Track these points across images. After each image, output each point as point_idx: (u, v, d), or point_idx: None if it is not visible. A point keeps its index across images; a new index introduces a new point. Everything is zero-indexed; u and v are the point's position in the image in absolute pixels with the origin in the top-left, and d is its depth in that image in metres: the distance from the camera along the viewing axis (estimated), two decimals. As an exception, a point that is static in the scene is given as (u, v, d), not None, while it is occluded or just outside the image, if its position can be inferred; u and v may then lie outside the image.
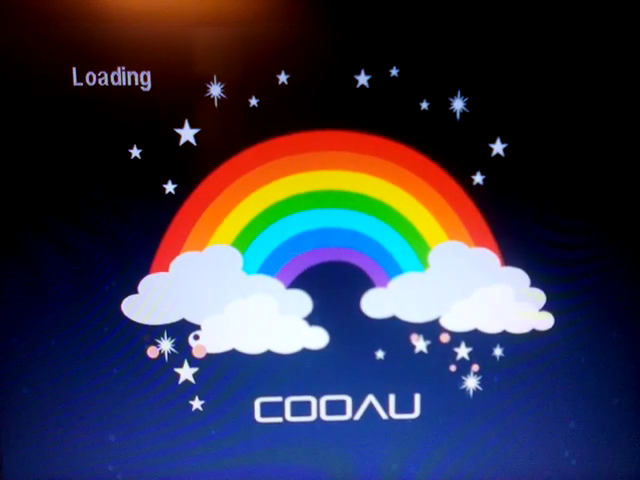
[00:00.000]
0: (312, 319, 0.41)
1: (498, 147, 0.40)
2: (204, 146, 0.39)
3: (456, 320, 0.41)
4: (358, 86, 0.38)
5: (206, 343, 0.41)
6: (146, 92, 0.38)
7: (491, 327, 0.42)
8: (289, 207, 0.40)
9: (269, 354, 0.41)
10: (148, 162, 0.38)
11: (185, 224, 0.39)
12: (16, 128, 0.38)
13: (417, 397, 0.42)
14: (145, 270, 0.40)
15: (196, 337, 0.41)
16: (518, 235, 0.41)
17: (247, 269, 0.40)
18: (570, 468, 0.44)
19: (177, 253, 0.40)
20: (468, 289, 0.41)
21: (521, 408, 0.43)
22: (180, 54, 0.38)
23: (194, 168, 0.39)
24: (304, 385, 0.42)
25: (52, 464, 0.42)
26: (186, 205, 0.39)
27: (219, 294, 0.40)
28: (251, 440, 0.42)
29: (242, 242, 0.40)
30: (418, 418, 0.43)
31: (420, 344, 0.42)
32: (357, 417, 0.42)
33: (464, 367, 0.42)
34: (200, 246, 0.40)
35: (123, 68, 0.38)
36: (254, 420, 0.42)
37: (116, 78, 0.38)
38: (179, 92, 0.38)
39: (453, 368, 0.42)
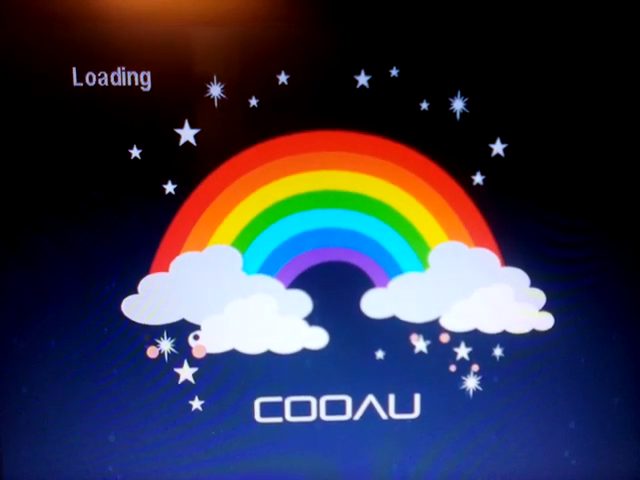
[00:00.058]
0: (312, 319, 0.41)
1: (498, 147, 0.40)
2: (204, 146, 0.39)
3: (456, 320, 0.41)
4: (358, 86, 0.38)
5: (206, 343, 0.41)
6: (146, 92, 0.38)
7: (491, 327, 0.42)
8: (289, 207, 0.40)
9: (269, 354, 0.41)
10: (148, 162, 0.38)
11: (185, 224, 0.39)
12: (16, 128, 0.38)
13: (417, 397, 0.42)
14: (145, 270, 0.40)
15: (196, 337, 0.41)
16: (518, 235, 0.41)
17: (247, 269, 0.40)
18: (570, 468, 0.44)
19: (177, 253, 0.40)
20: (468, 289, 0.41)
21: (521, 408, 0.43)
22: (180, 54, 0.38)
23: (194, 168, 0.39)
24: (304, 385, 0.42)
25: (52, 464, 0.42)
26: (186, 205, 0.39)
27: (219, 294, 0.40)
28: (251, 440, 0.42)
29: (242, 242, 0.40)
30: (418, 418, 0.43)
31: (420, 344, 0.42)
32: (357, 417, 0.42)
33: (464, 367, 0.42)
34: (200, 246, 0.40)
35: (123, 68, 0.38)
36: (254, 420, 0.42)
37: (116, 78, 0.38)
38: (179, 92, 0.38)
39: (453, 368, 0.42)
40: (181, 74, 0.38)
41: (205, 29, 0.38)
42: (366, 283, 0.41)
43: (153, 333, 0.40)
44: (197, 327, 0.41)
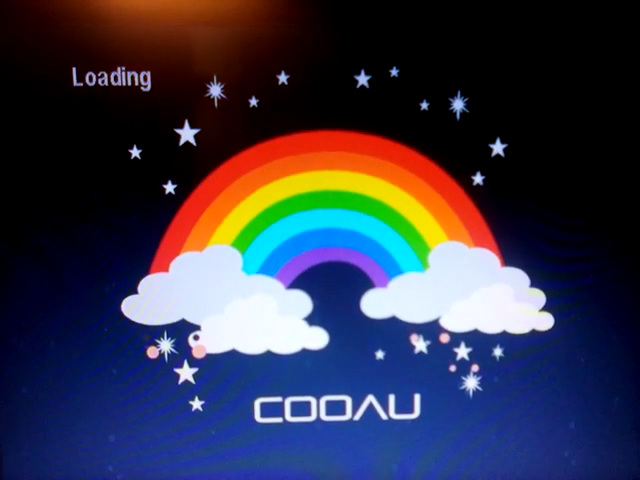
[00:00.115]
0: (312, 319, 0.41)
1: (498, 147, 0.40)
2: (204, 146, 0.39)
3: (456, 320, 0.41)
4: (358, 86, 0.38)
5: (206, 343, 0.41)
6: (146, 92, 0.38)
7: (491, 327, 0.42)
8: (289, 207, 0.40)
9: (269, 354, 0.41)
10: (148, 162, 0.38)
11: (185, 224, 0.39)
12: (16, 128, 0.38)
13: (417, 397, 0.42)
14: (145, 270, 0.40)
15: (196, 337, 0.41)
16: (518, 235, 0.41)
17: (247, 269, 0.40)
18: (570, 468, 0.44)
19: (177, 253, 0.40)
20: (468, 289, 0.41)
21: (521, 408, 0.43)
22: (180, 54, 0.38)
23: (194, 168, 0.39)
24: (304, 385, 0.42)
25: (52, 464, 0.42)
26: (186, 205, 0.39)
27: (219, 294, 0.40)
28: (251, 440, 0.42)
29: (242, 242, 0.40)
30: (418, 418, 0.43)
31: (420, 344, 0.42)
32: (357, 417, 0.42)
33: (464, 367, 0.42)
34: (200, 246, 0.40)
35: (123, 68, 0.38)
36: (254, 420, 0.42)
37: (116, 78, 0.38)
38: (179, 92, 0.38)
39: (453, 368, 0.42)
40: (181, 74, 0.38)
41: (205, 29, 0.38)
42: (366, 283, 0.41)
43: (153, 333, 0.40)
44: (197, 327, 0.41)
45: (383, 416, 0.42)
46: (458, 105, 0.39)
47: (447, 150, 0.39)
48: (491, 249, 0.41)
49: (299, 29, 0.38)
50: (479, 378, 0.42)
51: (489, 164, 0.40)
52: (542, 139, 0.40)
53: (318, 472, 0.43)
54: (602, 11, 0.39)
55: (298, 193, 0.39)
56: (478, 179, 0.40)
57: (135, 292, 0.40)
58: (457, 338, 0.42)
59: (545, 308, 0.42)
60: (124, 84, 0.38)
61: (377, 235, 0.40)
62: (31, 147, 0.38)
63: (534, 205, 0.40)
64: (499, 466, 0.43)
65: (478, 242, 0.41)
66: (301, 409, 0.42)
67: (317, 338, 0.41)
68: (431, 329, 0.41)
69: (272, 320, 0.41)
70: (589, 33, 0.39)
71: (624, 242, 0.41)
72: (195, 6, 0.37)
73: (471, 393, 0.42)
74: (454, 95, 0.39)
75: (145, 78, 0.38)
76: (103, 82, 0.38)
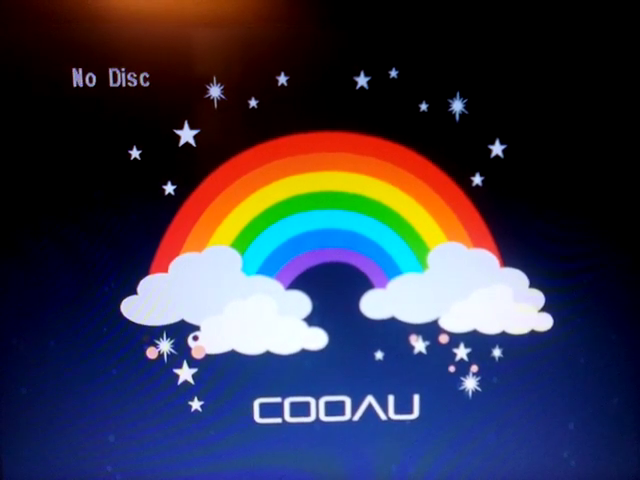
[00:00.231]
0: (311, 320, 0.41)
1: (497, 148, 0.40)
2: (203, 147, 0.39)
3: (455, 321, 0.41)
4: (357, 87, 0.38)
5: (205, 344, 0.41)
6: (146, 93, 0.38)
7: (490, 328, 0.42)
8: (288, 208, 0.40)
9: (268, 355, 0.41)
10: (148, 163, 0.39)
11: (184, 225, 0.39)
12: (16, 128, 0.38)
13: (416, 398, 0.42)
14: (144, 271, 0.40)
15: (195, 338, 0.41)
16: (517, 236, 0.41)
17: (246, 270, 0.40)
18: (569, 469, 0.44)
19: (176, 254, 0.40)
20: (467, 290, 0.41)
21: (520, 409, 0.43)
22: (180, 55, 0.38)
23: (193, 169, 0.39)
24: (303, 386, 0.42)
25: (51, 464, 0.42)
26: (185, 206, 0.39)
27: (218, 295, 0.40)
28: (250, 441, 0.42)
29: (241, 243, 0.40)
30: (417, 419, 0.43)
31: (419, 345, 0.42)
32: (356, 418, 0.42)
33: (463, 368, 0.42)
34: (199, 247, 0.40)
35: (123, 69, 0.38)
36: (253, 421, 0.42)
37: (116, 79, 0.38)
38: (179, 93, 0.38)
39: (452, 369, 0.42)
40: (181, 75, 0.38)
41: (205, 30, 0.38)
42: (365, 284, 0.41)
43: (152, 334, 0.40)
44: (196, 328, 0.41)
45: (382, 416, 0.42)
46: (457, 106, 0.39)
47: (446, 151, 0.39)
48: (490, 250, 0.41)
49: (299, 30, 0.38)
50: (478, 379, 0.42)
51: (488, 165, 0.40)
52: (541, 140, 0.40)
53: (317, 472, 0.43)
54: (601, 12, 0.38)
55: (297, 194, 0.39)
56: (477, 180, 0.40)
57: (135, 292, 0.40)
58: (456, 339, 0.42)
59: (544, 308, 0.42)
60: (124, 85, 0.38)
61: (376, 236, 0.40)
62: (31, 147, 0.38)
63: (533, 206, 0.40)
64: (498, 466, 0.43)
65: (477, 243, 0.41)
66: (300, 409, 0.42)
67: (316, 339, 0.41)
68: (430, 330, 0.41)
69: (271, 321, 0.41)
70: (588, 34, 0.39)
71: (624, 243, 0.41)
72: (195, 7, 0.37)
73: (470, 394, 0.42)
74: (453, 96, 0.39)
75: (145, 79, 0.38)
76: (103, 82, 0.38)
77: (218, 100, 0.38)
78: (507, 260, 0.41)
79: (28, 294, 0.40)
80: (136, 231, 0.39)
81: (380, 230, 0.40)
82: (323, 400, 0.42)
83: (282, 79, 0.38)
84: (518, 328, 0.42)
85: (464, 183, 0.40)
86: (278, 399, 0.42)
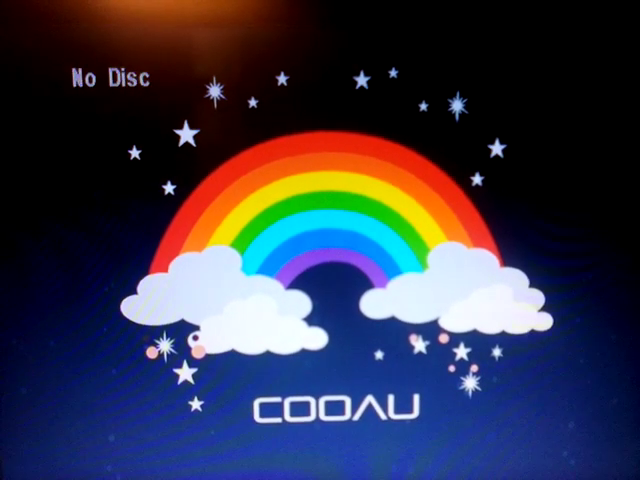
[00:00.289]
0: (311, 320, 0.41)
1: (497, 148, 0.40)
2: (203, 147, 0.39)
3: (455, 321, 0.41)
4: (357, 87, 0.38)
5: (205, 344, 0.41)
6: (146, 93, 0.38)
7: (490, 328, 0.42)
8: (288, 208, 0.40)
9: (268, 355, 0.41)
10: (147, 163, 0.38)
11: (184, 225, 0.39)
12: (16, 128, 0.38)
13: (416, 397, 0.42)
14: (144, 271, 0.40)
15: (195, 338, 0.41)
16: (517, 236, 0.41)
17: (246, 270, 0.40)
18: (569, 468, 0.44)
19: (176, 254, 0.40)
20: (467, 290, 0.41)
21: (520, 408, 0.43)
22: (180, 55, 0.38)
23: (193, 169, 0.39)
24: (303, 386, 0.42)
25: (51, 464, 0.42)
26: (185, 206, 0.39)
27: (218, 295, 0.40)
28: (250, 440, 0.42)
29: (241, 243, 0.40)
30: (417, 419, 0.43)
31: (419, 345, 0.42)
32: (356, 417, 0.42)
33: (463, 367, 0.42)
34: (199, 247, 0.40)
35: (123, 69, 0.38)
36: (253, 421, 0.42)
37: (116, 79, 0.38)
38: (178, 93, 0.38)
39: (452, 368, 0.42)
40: (180, 75, 0.38)
41: (205, 30, 0.38)
42: (365, 284, 0.41)
43: (152, 333, 0.40)
44: (196, 327, 0.41)
45: (382, 416, 0.42)
46: (457, 106, 0.39)
47: (446, 151, 0.39)
48: (490, 249, 0.41)
49: (298, 30, 0.38)
50: (478, 378, 0.42)
51: (488, 165, 0.40)
52: (541, 140, 0.40)
53: (317, 472, 0.43)
54: (601, 12, 0.39)
55: (297, 194, 0.39)
56: (477, 180, 0.40)
57: (134, 292, 0.40)
58: (456, 338, 0.42)
59: (544, 308, 0.42)
60: (124, 85, 0.38)
61: (376, 235, 0.40)
62: (31, 147, 0.38)
63: (533, 205, 0.40)
64: (498, 466, 0.43)
65: (477, 242, 0.41)
66: (300, 409, 0.42)
67: (316, 338, 0.41)
68: (430, 329, 0.41)
69: (271, 320, 0.41)
70: (587, 34, 0.39)
71: (624, 242, 0.41)
72: (195, 7, 0.37)
73: (470, 393, 0.42)
74: (453, 96, 0.39)
75: (145, 79, 0.38)
76: (103, 82, 0.38)
77: (218, 100, 0.38)
78: (507, 260, 0.41)
79: (28, 294, 0.40)
80: (136, 231, 0.39)
81: (380, 230, 0.40)
82: (323, 400, 0.42)
83: (282, 79, 0.38)
84: (518, 328, 0.42)
85: (464, 183, 0.40)
86: (278, 399, 0.42)
